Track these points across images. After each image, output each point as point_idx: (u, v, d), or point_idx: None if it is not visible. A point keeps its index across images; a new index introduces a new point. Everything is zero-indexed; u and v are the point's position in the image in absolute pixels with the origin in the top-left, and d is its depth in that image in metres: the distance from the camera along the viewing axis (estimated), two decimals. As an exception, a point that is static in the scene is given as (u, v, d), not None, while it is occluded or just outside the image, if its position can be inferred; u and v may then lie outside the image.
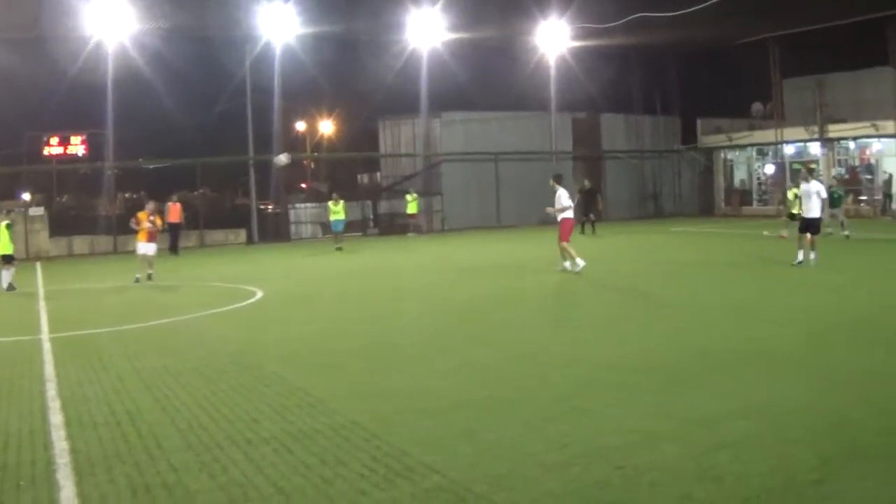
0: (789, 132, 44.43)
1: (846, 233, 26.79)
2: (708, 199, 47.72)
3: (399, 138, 44.05)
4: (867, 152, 43.46)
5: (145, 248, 21.33)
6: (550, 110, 43.94)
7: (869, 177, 43.30)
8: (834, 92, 43.63)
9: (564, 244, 19.31)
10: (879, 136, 41.28)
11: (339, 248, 29.37)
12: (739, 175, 49.70)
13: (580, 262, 18.78)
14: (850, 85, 43.47)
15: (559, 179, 20.39)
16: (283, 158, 34.26)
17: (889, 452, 6.25)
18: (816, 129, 42.66)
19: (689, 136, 49.09)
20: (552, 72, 43.29)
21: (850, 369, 9.05)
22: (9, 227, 21.26)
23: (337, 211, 30.10)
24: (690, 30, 39.02)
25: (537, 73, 43.22)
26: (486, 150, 41.79)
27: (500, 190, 41.73)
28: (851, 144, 43.62)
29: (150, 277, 21.28)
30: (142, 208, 22.72)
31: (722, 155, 48.68)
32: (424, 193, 39.39)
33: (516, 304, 15.61)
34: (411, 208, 37.72)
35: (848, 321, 12.16)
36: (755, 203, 47.16)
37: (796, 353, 10.00)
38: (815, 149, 44.11)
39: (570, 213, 19.35)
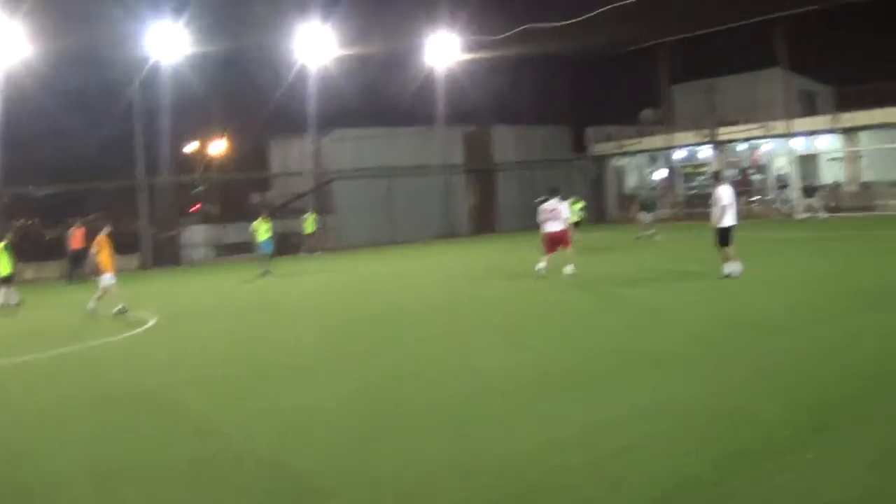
0: (680, 137, 44.79)
1: (650, 233, 29.77)
2: (600, 206, 47.71)
3: (290, 157, 43.27)
4: (757, 153, 43.99)
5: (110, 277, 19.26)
6: (440, 124, 43.35)
7: (760, 177, 43.79)
8: (724, 95, 44.02)
9: (569, 250, 19.27)
10: (770, 137, 41.83)
11: (268, 272, 26.69)
12: (630, 181, 50.04)
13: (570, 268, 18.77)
14: (740, 87, 44.07)
15: (555, 192, 19.88)
16: None
17: (785, 451, 6.04)
18: (707, 132, 42.91)
19: (580, 144, 49.23)
20: (441, 85, 42.80)
21: (745, 370, 8.80)
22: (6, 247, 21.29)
23: (265, 231, 27.61)
24: (579, 39, 39.02)
25: (427, 87, 42.70)
26: (377, 166, 41.10)
27: (393, 206, 41.02)
28: (742, 146, 44.08)
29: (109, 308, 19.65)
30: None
31: (612, 162, 48.96)
32: (318, 212, 38.45)
33: (415, 318, 15.26)
34: (309, 227, 36.74)
35: (747, 322, 11.82)
36: (647, 208, 47.33)
37: (692, 355, 9.76)
38: (705, 152, 44.56)
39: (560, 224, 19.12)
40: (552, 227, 19.13)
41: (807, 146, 41.89)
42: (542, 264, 18.87)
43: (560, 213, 19.19)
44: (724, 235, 16.15)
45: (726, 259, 16.12)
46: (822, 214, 34.91)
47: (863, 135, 39.78)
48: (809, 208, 35.85)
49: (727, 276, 15.91)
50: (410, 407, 8.36)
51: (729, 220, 16.16)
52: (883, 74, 37.86)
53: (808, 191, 35.96)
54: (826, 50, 44.98)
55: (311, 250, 36.56)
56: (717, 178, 17.75)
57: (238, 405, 9.11)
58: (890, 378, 8.00)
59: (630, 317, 13.24)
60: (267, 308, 18.94)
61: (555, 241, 19.10)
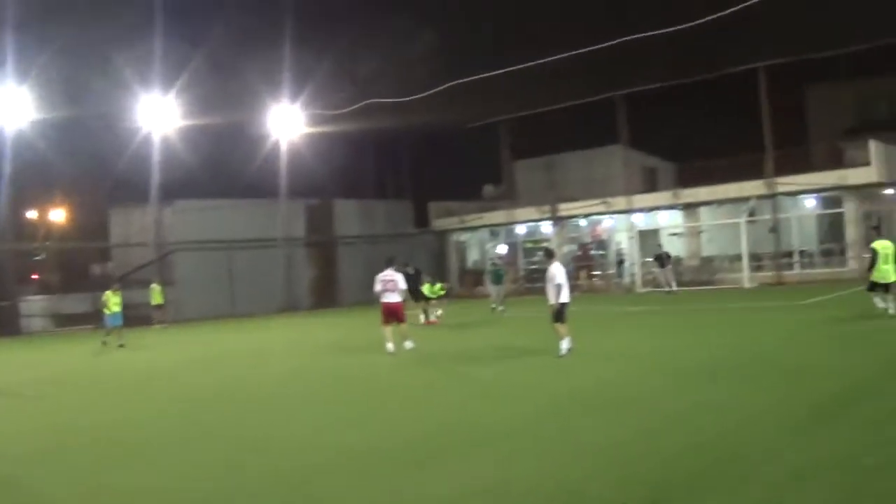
0: (521, 212, 45.38)
1: (501, 308, 29.52)
2: (442, 280, 47.69)
3: (131, 227, 42.06)
4: (598, 229, 44.92)
5: None
6: (283, 197, 42.98)
7: (601, 252, 44.74)
8: (566, 171, 45.11)
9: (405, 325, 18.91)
10: (611, 213, 42.64)
11: (121, 345, 25.68)
12: (472, 256, 50.47)
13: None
14: (582, 163, 45.25)
15: (391, 262, 19.30)
16: None
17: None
18: (548, 208, 43.56)
19: (423, 219, 49.28)
20: (285, 158, 42.54)
21: (580, 442, 8.72)
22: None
23: (115, 303, 26.32)
24: (422, 114, 39.30)
25: (271, 160, 42.40)
26: (219, 238, 40.22)
27: (234, 278, 40.11)
28: (583, 221, 44.92)
29: None
30: None
31: (455, 237, 49.17)
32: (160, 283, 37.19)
33: (256, 392, 14.71)
34: (156, 298, 35.63)
35: (585, 398, 11.74)
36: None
37: (531, 432, 9.52)
38: (547, 228, 45.17)
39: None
40: (389, 297, 18.60)
41: (648, 221, 42.85)
42: (389, 344, 18.30)
43: (397, 285, 18.67)
44: (560, 312, 15.94)
45: (562, 336, 15.90)
46: (674, 287, 34.92)
47: (703, 210, 40.99)
48: (662, 281, 35.61)
49: (565, 354, 15.60)
50: (250, 482, 8.07)
51: (563, 297, 15.95)
52: (722, 151, 39.48)
53: (661, 260, 35.80)
54: (667, 127, 46.78)
55: (160, 321, 35.50)
56: (548, 255, 17.19)
57: (75, 482, 8.70)
58: (723, 454, 7.93)
59: (471, 392, 13.04)
60: (112, 380, 18.16)
61: (391, 313, 18.59)
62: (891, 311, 19.08)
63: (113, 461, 9.51)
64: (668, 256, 35.96)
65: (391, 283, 18.62)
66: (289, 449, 9.51)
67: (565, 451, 8.36)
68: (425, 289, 26.80)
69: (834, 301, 23.93)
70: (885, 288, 19.51)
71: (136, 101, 36.74)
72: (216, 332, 31.41)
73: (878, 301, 19.59)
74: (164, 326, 35.01)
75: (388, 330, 18.51)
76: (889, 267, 19.41)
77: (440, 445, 9.13)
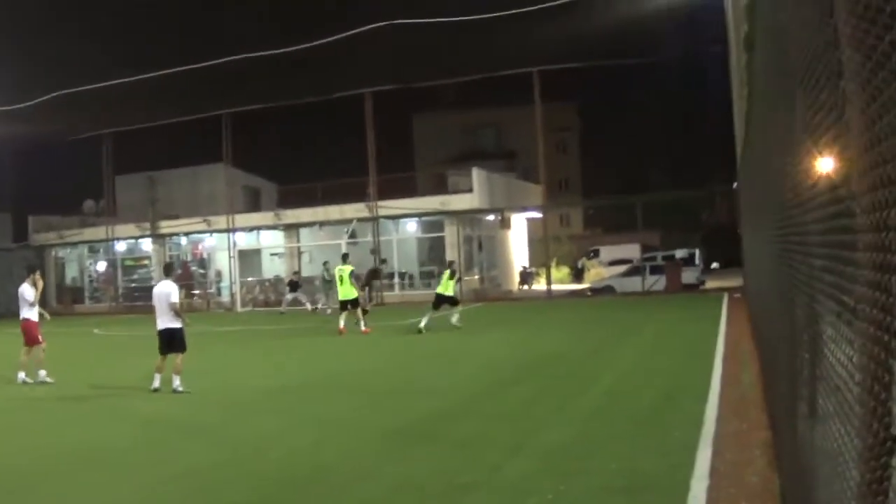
0: (122, 229, 43.95)
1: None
2: (42, 297, 44.23)
3: None
4: (199, 247, 44.03)
5: None
6: None
7: (202, 271, 43.71)
8: (169, 188, 43.72)
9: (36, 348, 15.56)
10: (211, 232, 42.04)
11: None
12: (72, 272, 48.37)
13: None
14: (185, 181, 44.23)
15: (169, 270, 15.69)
16: None
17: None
18: (148, 225, 42.42)
19: (23, 232, 46.57)
20: None
21: (173, 468, 8.33)
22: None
23: None
24: (25, 124, 36.25)
25: None
26: None
27: None
28: (184, 240, 43.95)
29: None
30: None
31: (54, 252, 46.72)
32: None
33: None
34: None
35: (171, 423, 11.22)
36: (87, 300, 46.22)
37: (121, 457, 9.15)
38: (147, 245, 44.00)
39: None
40: (22, 313, 15.74)
41: (250, 241, 42.75)
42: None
43: (25, 297, 15.72)
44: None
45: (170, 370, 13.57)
46: (309, 306, 34.23)
47: (304, 231, 41.22)
48: (296, 302, 34.79)
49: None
50: None
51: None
52: (327, 174, 40.29)
53: (293, 286, 35.21)
54: (272, 147, 46.53)
55: None
56: (166, 272, 14.97)
57: None
58: (318, 472, 7.98)
59: (65, 418, 12.11)
60: None
61: (25, 332, 15.68)
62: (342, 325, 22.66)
63: None
64: (297, 284, 35.51)
65: (21, 298, 15.77)
66: None
67: (157, 477, 8.04)
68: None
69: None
70: (351, 304, 22.82)
71: None
72: None
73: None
74: None
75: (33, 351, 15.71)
76: (346, 287, 22.82)
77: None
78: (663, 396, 11.09)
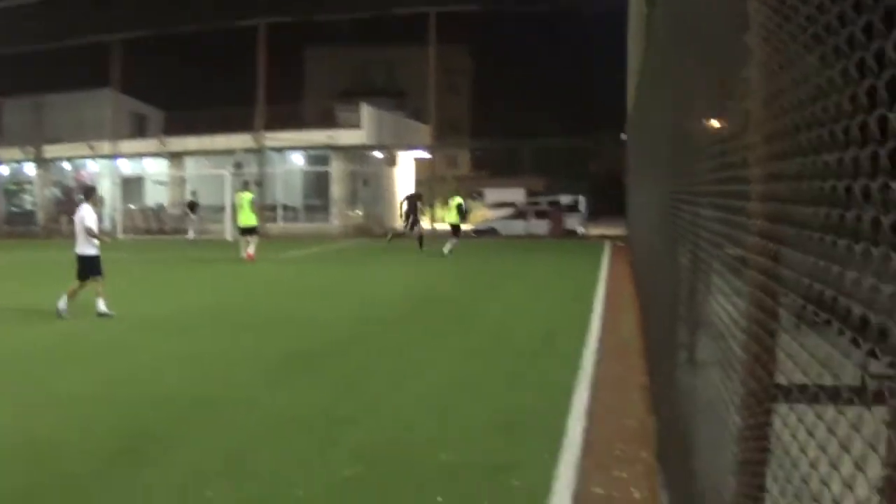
0: (5, 153, 42.50)
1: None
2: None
3: None
4: (83, 173, 42.75)
5: None
6: None
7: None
8: (55, 113, 42.17)
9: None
10: (95, 157, 41.10)
11: None
12: None
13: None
14: (71, 106, 42.60)
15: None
16: None
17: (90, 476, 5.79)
18: (32, 149, 41.17)
19: None
20: None
21: (51, 394, 8.29)
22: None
23: None
24: None
25: None
26: None
27: None
28: (68, 165, 42.76)
29: None
30: None
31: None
32: None
33: None
34: None
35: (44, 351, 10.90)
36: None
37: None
38: (31, 170, 42.78)
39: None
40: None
41: (134, 168, 42.06)
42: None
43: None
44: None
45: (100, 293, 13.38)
46: (192, 235, 33.67)
47: (188, 160, 40.69)
48: (198, 230, 34.43)
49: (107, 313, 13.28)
50: None
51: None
52: (215, 103, 39.22)
53: (192, 207, 34.53)
54: (161, 75, 45.25)
55: None
56: (86, 195, 13.97)
57: None
58: (199, 403, 7.91)
59: None
60: None
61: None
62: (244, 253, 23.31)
63: None
64: (196, 204, 34.89)
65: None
66: None
67: (35, 403, 7.96)
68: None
69: (316, 255, 24.39)
70: (250, 231, 23.57)
71: None
72: None
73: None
74: None
75: None
76: (246, 214, 23.43)
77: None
78: (543, 338, 11.34)
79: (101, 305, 13.15)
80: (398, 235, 28.74)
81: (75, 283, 13.36)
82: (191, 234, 34.04)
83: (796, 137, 1.78)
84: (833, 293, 1.48)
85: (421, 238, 27.59)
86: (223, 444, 6.58)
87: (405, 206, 27.53)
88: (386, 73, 61.28)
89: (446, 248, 24.81)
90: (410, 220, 27.55)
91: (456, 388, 8.50)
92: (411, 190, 34.99)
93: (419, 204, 28.56)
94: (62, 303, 13.11)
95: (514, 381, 8.70)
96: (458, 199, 26.53)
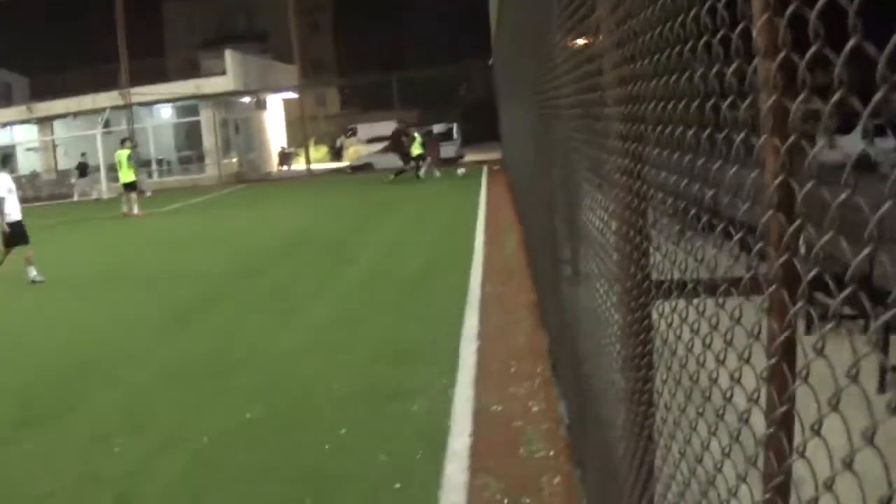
0: None
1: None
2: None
3: None
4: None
5: None
6: None
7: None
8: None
9: None
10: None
11: None
12: None
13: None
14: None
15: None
16: None
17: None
18: None
19: None
20: None
21: None
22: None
23: None
24: None
25: None
26: None
27: None
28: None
29: None
30: None
31: None
32: None
33: None
34: None
35: None
36: None
37: None
38: None
39: None
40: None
41: (3, 138, 40.78)
42: None
43: None
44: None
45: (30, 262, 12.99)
46: (102, 195, 32.97)
47: (57, 124, 39.66)
48: (84, 192, 33.88)
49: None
50: None
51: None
52: (78, 64, 38.23)
53: (82, 169, 33.88)
54: (21, 40, 43.70)
55: None
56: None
57: None
58: (88, 359, 7.86)
59: None
60: None
61: None
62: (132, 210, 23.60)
63: None
64: (87, 166, 34.11)
65: None
66: None
67: None
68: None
69: (196, 206, 23.85)
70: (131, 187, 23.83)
71: None
72: None
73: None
74: None
75: None
76: (125, 171, 23.64)
77: None
78: (427, 267, 11.43)
79: (32, 272, 12.87)
80: (401, 173, 29.56)
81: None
82: (76, 197, 33.87)
83: (643, 38, 1.83)
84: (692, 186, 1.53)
85: (418, 168, 29.09)
86: (119, 401, 6.52)
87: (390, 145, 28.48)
88: (247, 18, 59.98)
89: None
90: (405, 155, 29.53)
91: (342, 323, 8.54)
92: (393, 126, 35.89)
93: (405, 139, 29.88)
94: (32, 273, 12.83)
95: (400, 311, 8.78)
96: (419, 138, 28.99)
